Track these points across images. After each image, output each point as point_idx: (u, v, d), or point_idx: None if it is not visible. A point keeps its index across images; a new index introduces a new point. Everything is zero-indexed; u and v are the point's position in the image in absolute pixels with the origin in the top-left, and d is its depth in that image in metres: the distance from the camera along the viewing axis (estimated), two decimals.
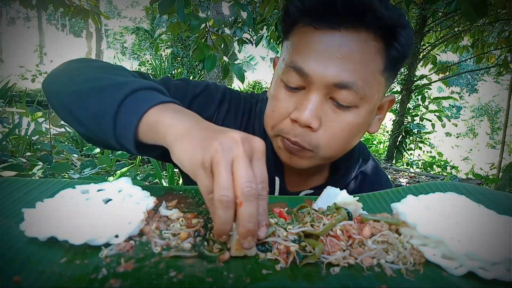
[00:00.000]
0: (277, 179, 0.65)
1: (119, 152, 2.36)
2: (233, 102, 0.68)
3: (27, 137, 2.48)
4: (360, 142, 0.71)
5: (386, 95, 0.60)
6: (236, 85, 9.00)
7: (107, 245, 0.36)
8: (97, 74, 0.52)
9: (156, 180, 2.37)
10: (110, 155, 2.45)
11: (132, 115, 0.43)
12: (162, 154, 0.61)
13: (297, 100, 0.54)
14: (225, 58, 1.67)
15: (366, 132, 0.61)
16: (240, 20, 2.20)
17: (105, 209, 0.40)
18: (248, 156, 0.35)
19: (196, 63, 6.95)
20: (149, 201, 0.43)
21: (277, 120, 0.57)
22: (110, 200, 0.42)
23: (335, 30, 0.51)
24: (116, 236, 0.36)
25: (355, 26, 0.50)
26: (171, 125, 0.40)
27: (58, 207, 0.39)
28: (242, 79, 1.66)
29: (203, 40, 1.77)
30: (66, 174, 1.87)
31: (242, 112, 0.69)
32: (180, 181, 2.24)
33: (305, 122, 0.52)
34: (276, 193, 0.65)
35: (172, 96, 0.53)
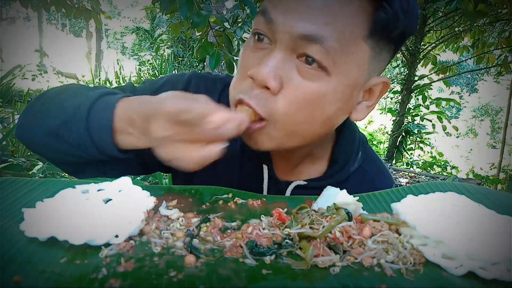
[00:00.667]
0: (264, 167, 0.60)
1: None
2: (201, 87, 0.63)
3: None
4: (361, 135, 0.67)
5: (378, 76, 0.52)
6: None
7: (107, 245, 0.36)
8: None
9: (156, 180, 2.36)
10: None
11: (102, 123, 0.46)
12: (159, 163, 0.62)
13: (261, 56, 0.47)
14: (229, 55, 1.65)
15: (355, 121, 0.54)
16: (241, 19, 2.20)
17: (105, 209, 0.40)
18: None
19: (197, 63, 6.95)
20: (149, 201, 0.43)
21: (237, 80, 0.50)
22: (110, 200, 0.42)
23: None
24: (116, 236, 0.36)
25: None
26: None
27: (58, 207, 0.39)
28: None
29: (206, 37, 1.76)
30: (66, 174, 1.87)
31: (219, 94, 0.63)
32: None
33: (261, 80, 0.45)
34: (265, 181, 0.60)
35: None
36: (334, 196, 0.45)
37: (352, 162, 0.63)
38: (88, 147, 0.47)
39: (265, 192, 0.61)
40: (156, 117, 0.42)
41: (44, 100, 0.56)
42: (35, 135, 0.53)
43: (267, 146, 0.51)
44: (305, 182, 0.60)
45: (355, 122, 0.64)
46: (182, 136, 0.41)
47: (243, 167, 0.61)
